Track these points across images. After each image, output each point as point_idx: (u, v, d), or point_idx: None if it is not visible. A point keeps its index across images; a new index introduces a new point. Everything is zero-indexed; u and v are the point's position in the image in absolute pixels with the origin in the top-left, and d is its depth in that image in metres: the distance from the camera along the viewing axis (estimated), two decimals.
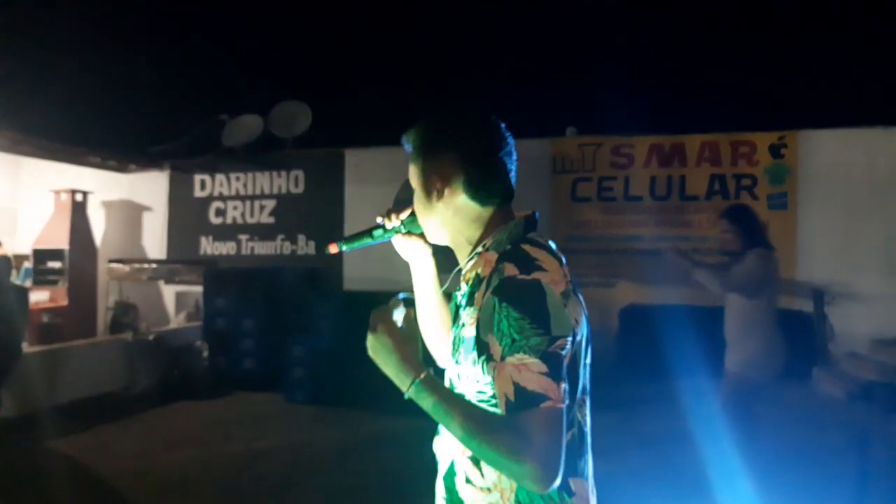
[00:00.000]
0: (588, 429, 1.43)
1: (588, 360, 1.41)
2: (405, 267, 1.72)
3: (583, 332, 1.37)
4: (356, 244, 1.67)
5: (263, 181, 9.54)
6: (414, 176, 1.54)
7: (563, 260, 1.39)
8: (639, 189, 7.95)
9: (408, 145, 1.55)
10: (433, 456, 1.52)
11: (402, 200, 1.68)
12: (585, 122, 8.35)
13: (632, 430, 5.38)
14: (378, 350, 1.38)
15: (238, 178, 9.63)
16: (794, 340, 6.97)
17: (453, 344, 1.44)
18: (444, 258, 1.68)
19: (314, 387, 6.70)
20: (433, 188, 1.49)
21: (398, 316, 1.41)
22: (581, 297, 1.40)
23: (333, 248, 1.68)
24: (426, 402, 1.32)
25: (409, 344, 1.38)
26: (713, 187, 7.74)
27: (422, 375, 1.33)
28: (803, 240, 7.40)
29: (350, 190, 9.05)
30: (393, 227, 1.64)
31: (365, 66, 9.98)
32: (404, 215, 1.63)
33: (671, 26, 8.94)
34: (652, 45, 8.79)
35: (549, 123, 8.11)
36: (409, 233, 1.63)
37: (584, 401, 1.40)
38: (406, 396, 1.34)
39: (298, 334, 7.05)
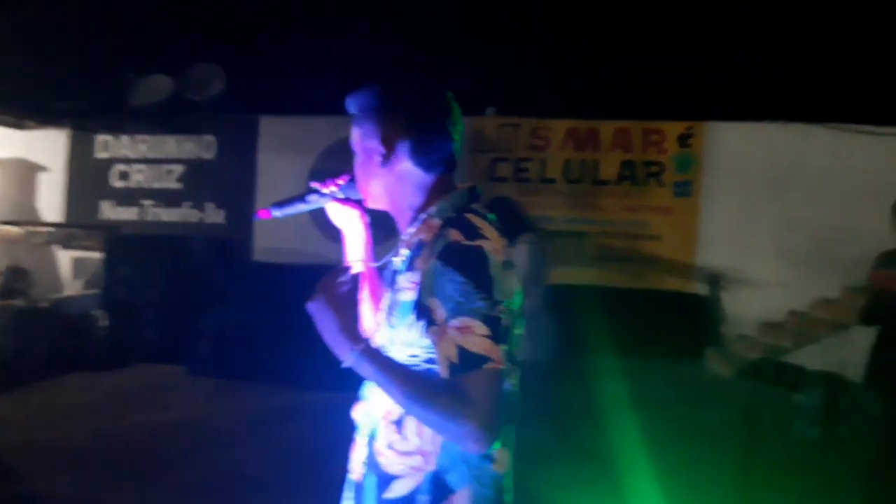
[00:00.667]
0: (515, 399, 1.46)
1: (520, 332, 1.44)
2: (318, 238, 1.69)
3: (517, 302, 1.40)
4: (289, 210, 1.63)
5: (171, 145, 9.14)
6: (358, 139, 1.52)
7: (503, 233, 1.42)
8: (554, 172, 8.10)
9: (353, 108, 1.53)
10: (339, 428, 1.52)
11: (324, 171, 1.66)
12: (505, 103, 8.41)
13: (541, 408, 5.52)
14: (320, 318, 1.38)
15: (144, 141, 9.19)
16: (691, 322, 7.43)
17: (389, 309, 1.44)
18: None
19: (219, 359, 6.53)
20: (378, 152, 1.48)
21: (341, 286, 1.40)
22: (517, 271, 1.42)
23: (265, 214, 1.63)
24: (366, 370, 1.34)
25: (350, 313, 1.38)
26: (624, 173, 7.98)
27: (362, 344, 1.35)
28: (704, 226, 7.75)
29: (263, 158, 8.80)
30: (329, 192, 1.62)
31: (285, 34, 9.68)
32: (341, 180, 1.61)
33: (594, 14, 9.09)
34: (575, 32, 8.92)
35: (470, 102, 8.11)
36: (346, 199, 1.62)
37: (512, 370, 1.42)
38: (345, 365, 1.35)
39: (204, 305, 6.85)
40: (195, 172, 9.04)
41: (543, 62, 8.90)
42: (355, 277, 1.45)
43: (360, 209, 1.65)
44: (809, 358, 6.22)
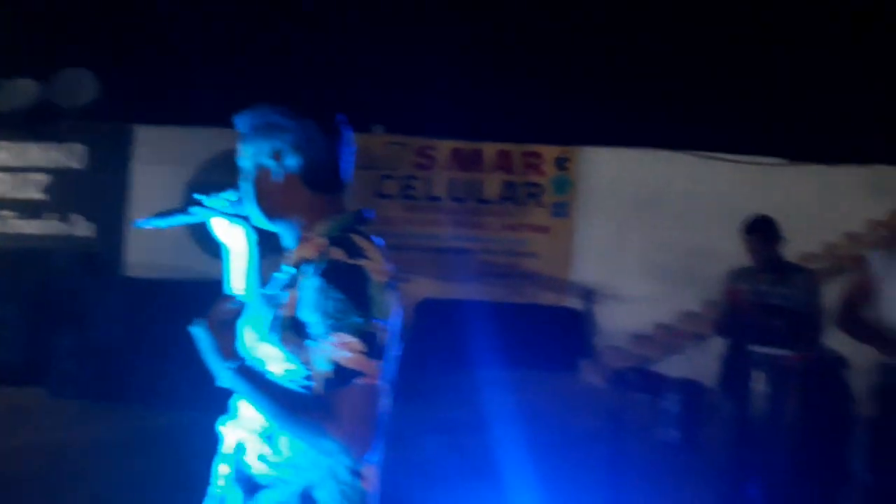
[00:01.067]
0: (385, 418, 1.48)
1: (396, 353, 1.48)
2: (195, 252, 1.67)
3: (396, 324, 1.45)
4: (171, 221, 1.60)
5: (36, 153, 8.56)
6: (248, 157, 1.51)
7: (387, 257, 1.46)
8: (439, 190, 8.26)
9: (242, 125, 1.53)
10: (201, 451, 1.53)
11: (204, 184, 1.64)
12: (391, 121, 8.51)
13: (425, 419, 5.59)
14: (200, 341, 1.43)
15: (5, 148, 8.56)
16: (567, 335, 7.77)
17: (270, 325, 1.44)
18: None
19: (83, 381, 6.14)
20: (268, 170, 1.48)
21: (225, 312, 1.46)
22: (397, 294, 1.47)
23: (144, 224, 1.60)
24: (241, 387, 1.40)
25: (228, 335, 1.44)
26: (505, 193, 8.26)
27: (237, 363, 1.40)
28: (579, 245, 8.15)
29: (138, 169, 8.42)
30: (214, 205, 1.60)
31: (165, 39, 9.33)
32: (229, 195, 1.59)
33: (478, 38, 9.38)
34: (461, 54, 9.16)
35: (358, 120, 8.12)
36: (233, 215, 1.60)
37: (386, 390, 1.46)
38: (221, 384, 1.41)
39: (69, 323, 6.44)
40: (62, 183, 8.50)
41: (430, 83, 9.08)
42: (240, 304, 1.48)
43: (246, 225, 1.63)
44: (674, 367, 6.66)
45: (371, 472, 1.46)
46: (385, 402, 1.45)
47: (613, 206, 8.09)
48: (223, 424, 1.53)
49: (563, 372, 7.41)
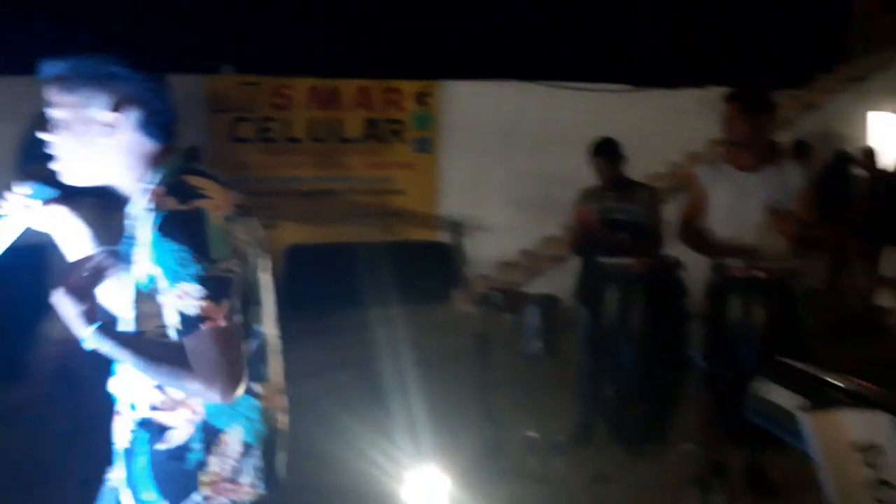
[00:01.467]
0: (273, 337, 1.56)
1: (266, 276, 1.53)
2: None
3: (254, 251, 1.48)
4: None
5: None
6: (71, 111, 1.43)
7: (227, 187, 1.46)
8: (298, 131, 8.06)
9: (60, 72, 1.44)
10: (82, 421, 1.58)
11: (32, 152, 1.54)
12: (241, 60, 8.14)
13: (298, 361, 5.61)
14: (61, 307, 1.42)
15: None
16: (438, 267, 7.98)
17: (130, 283, 1.46)
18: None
19: None
20: (100, 122, 1.43)
21: (80, 275, 1.45)
22: (254, 222, 1.50)
23: None
24: (106, 347, 1.41)
25: (87, 297, 1.43)
26: (367, 131, 8.20)
27: (98, 325, 1.41)
28: (444, 179, 8.29)
29: None
30: (18, 209, 1.48)
31: None
32: (26, 188, 1.49)
33: None
34: None
35: (203, 60, 7.72)
36: (45, 202, 1.51)
37: (258, 313, 1.51)
38: (86, 345, 1.42)
39: None
40: None
41: (282, 19, 8.75)
42: (95, 264, 1.48)
43: (65, 204, 1.55)
44: (539, 289, 7.03)
45: (269, 388, 1.53)
46: (264, 323, 1.52)
47: (474, 139, 8.24)
48: (111, 384, 1.56)
49: (436, 303, 7.63)
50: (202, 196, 1.38)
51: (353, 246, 7.54)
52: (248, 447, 1.47)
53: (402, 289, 6.79)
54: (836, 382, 1.66)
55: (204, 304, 1.34)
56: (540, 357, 3.80)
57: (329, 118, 8.12)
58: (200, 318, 1.35)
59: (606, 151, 4.22)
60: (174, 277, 1.34)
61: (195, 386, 1.36)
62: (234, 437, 1.46)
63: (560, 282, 5.05)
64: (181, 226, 1.35)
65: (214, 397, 1.38)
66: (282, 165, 7.91)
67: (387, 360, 4.89)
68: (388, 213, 8.14)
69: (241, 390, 1.40)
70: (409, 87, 8.29)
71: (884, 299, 7.54)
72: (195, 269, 1.34)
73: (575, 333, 3.98)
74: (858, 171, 7.83)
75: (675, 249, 3.76)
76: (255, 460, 1.48)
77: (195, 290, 1.34)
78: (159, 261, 1.35)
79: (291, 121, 8.04)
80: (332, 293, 7.18)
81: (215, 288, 1.36)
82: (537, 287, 7.25)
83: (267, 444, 1.51)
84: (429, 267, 7.84)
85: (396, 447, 3.58)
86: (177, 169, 1.45)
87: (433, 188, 8.26)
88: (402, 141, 8.24)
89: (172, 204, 1.36)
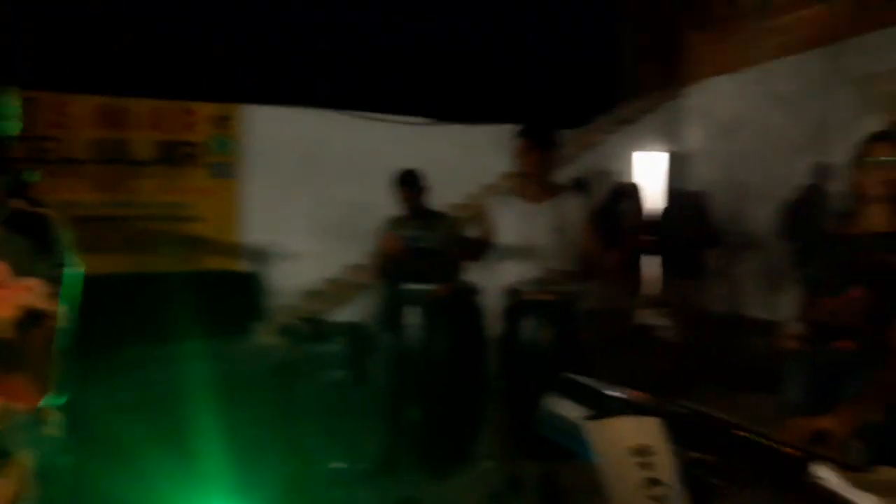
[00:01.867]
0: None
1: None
2: None
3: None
4: None
5: None
6: None
7: None
8: (80, 152, 7.40)
9: None
10: None
11: None
12: (20, 73, 7.33)
13: (100, 401, 5.14)
14: None
15: None
16: (239, 298, 7.67)
17: None
18: None
19: None
20: None
21: None
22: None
23: None
24: None
25: None
26: (160, 153, 7.73)
27: None
28: (246, 206, 8.03)
29: None
30: None
31: None
32: None
33: None
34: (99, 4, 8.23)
35: None
36: None
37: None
38: None
39: None
40: None
41: (66, 30, 8.04)
42: None
43: None
44: (344, 316, 7.02)
45: (55, 417, 1.53)
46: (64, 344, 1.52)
47: (278, 165, 8.10)
48: None
49: (237, 335, 7.31)
50: (47, 205, 1.52)
51: (143, 277, 7.04)
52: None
53: (200, 321, 6.44)
54: (613, 393, 1.82)
55: (47, 301, 1.37)
56: (346, 385, 3.79)
57: (116, 139, 7.54)
58: (42, 315, 1.36)
59: (409, 182, 4.36)
60: (19, 271, 1.36)
61: (13, 384, 1.38)
62: (19, 462, 1.44)
63: (364, 309, 5.09)
64: (27, 223, 1.44)
65: (29, 398, 1.41)
66: (60, 188, 7.19)
67: (184, 397, 4.60)
68: (184, 240, 7.69)
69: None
70: (206, 108, 7.97)
71: (649, 317, 8.45)
72: (40, 266, 1.41)
73: (379, 359, 4.02)
74: (629, 205, 8.75)
75: (472, 275, 3.95)
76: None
77: (39, 285, 1.36)
78: (5, 255, 1.37)
79: (72, 140, 7.36)
80: (120, 327, 6.63)
81: (58, 287, 1.43)
82: (342, 315, 7.23)
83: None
84: (229, 297, 7.51)
85: (197, 485, 3.37)
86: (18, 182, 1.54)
87: (233, 215, 7.96)
88: (197, 165, 7.86)
89: (20, 204, 1.47)
